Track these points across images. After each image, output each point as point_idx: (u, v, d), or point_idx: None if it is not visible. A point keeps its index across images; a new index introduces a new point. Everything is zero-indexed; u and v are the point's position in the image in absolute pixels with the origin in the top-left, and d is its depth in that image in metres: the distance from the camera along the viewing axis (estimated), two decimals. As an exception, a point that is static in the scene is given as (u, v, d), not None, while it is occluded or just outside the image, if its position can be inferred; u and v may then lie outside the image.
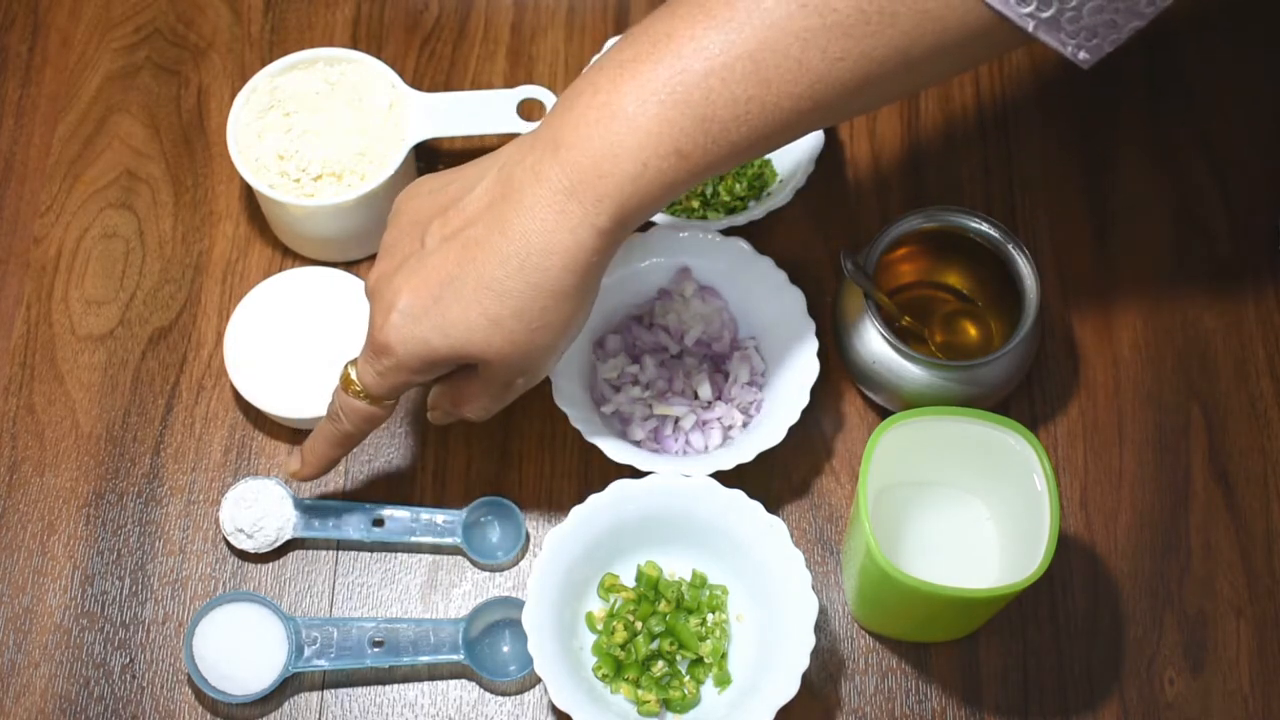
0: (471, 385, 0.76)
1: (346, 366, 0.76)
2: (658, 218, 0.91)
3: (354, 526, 0.86)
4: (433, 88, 1.00)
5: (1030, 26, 0.66)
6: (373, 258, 0.94)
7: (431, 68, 1.01)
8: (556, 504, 0.85)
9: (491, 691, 0.83)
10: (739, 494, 0.81)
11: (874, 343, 0.84)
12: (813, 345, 0.86)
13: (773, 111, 0.68)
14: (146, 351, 0.92)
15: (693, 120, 0.68)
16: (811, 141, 0.93)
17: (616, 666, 0.81)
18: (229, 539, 0.86)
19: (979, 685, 0.84)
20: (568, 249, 0.69)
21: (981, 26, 0.66)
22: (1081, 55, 0.68)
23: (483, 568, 0.86)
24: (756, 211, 0.91)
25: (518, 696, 0.83)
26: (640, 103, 0.68)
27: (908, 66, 0.68)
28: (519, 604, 0.79)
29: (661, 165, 0.68)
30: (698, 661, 0.82)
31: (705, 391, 0.88)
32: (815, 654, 0.78)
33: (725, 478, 0.82)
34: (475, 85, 1.00)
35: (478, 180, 0.72)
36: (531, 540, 0.87)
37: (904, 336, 0.84)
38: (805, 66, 0.67)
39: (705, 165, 0.69)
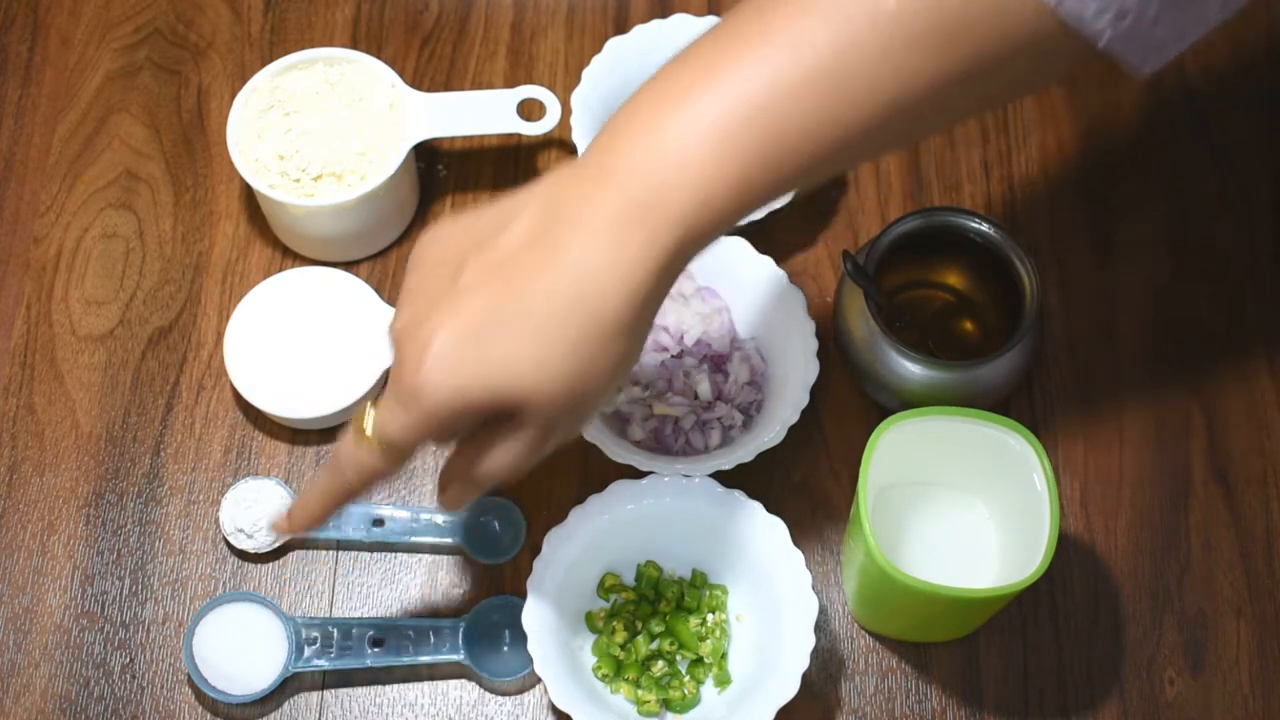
0: (502, 438, 0.67)
1: (359, 415, 0.67)
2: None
3: (354, 526, 0.86)
4: (433, 88, 0.99)
5: (1103, 40, 0.62)
6: (373, 258, 0.94)
7: (431, 68, 1.01)
8: (556, 504, 0.84)
9: (491, 691, 0.83)
10: (739, 494, 0.81)
11: (874, 343, 0.84)
12: (813, 345, 0.86)
13: (843, 135, 0.63)
14: (146, 351, 0.92)
15: (758, 148, 0.63)
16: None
17: (616, 666, 0.81)
18: (229, 539, 0.86)
19: (979, 685, 0.83)
20: (626, 281, 0.63)
21: (1053, 39, 0.62)
22: (1146, 68, 0.64)
23: (483, 567, 0.86)
24: (757, 212, 0.91)
25: (518, 696, 0.83)
26: (701, 132, 0.62)
27: (980, 81, 0.64)
28: (519, 604, 0.79)
29: (727, 194, 0.64)
30: (698, 661, 0.82)
31: (705, 391, 0.88)
32: (815, 654, 0.78)
33: (725, 478, 0.82)
34: (475, 85, 1.00)
35: (515, 212, 0.65)
36: (531, 540, 0.87)
37: (904, 336, 0.84)
38: (878, 86, 0.62)
39: (772, 190, 0.65)
